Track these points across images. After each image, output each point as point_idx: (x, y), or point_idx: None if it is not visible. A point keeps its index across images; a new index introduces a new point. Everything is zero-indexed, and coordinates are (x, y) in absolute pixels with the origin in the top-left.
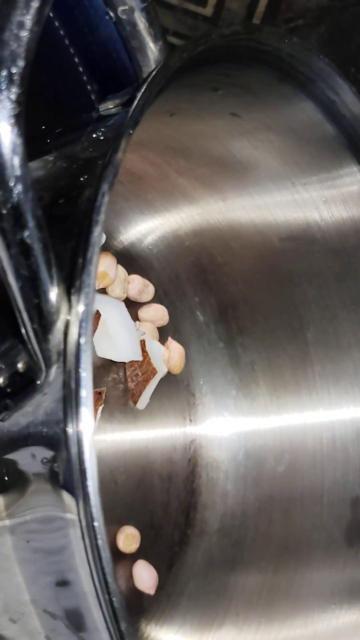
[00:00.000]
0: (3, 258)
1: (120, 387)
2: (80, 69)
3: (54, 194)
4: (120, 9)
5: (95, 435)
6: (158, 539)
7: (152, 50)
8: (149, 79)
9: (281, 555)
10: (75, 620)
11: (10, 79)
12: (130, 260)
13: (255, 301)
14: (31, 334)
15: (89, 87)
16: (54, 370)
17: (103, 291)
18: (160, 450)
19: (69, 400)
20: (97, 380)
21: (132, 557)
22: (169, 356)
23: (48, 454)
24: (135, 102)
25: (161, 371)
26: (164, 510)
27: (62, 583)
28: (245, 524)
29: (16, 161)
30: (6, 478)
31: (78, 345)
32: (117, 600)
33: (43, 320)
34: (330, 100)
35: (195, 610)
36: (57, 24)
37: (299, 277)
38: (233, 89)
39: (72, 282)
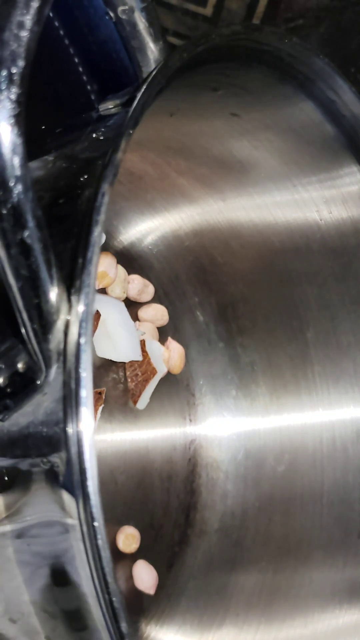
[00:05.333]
0: (3, 258)
1: (120, 387)
2: (80, 69)
3: (54, 194)
4: (120, 9)
5: (95, 435)
6: (158, 539)
7: (152, 50)
8: (149, 79)
9: (281, 555)
10: (75, 620)
11: (10, 79)
12: (130, 260)
13: (255, 301)
14: (31, 334)
15: (89, 87)
16: (54, 370)
17: (103, 291)
18: (160, 450)
19: (69, 400)
20: (97, 380)
21: (132, 557)
22: (169, 356)
23: (48, 454)
24: (135, 102)
25: (161, 371)
26: (164, 510)
27: (62, 583)
28: (245, 524)
29: (16, 161)
30: (6, 478)
31: (78, 345)
32: (117, 600)
33: (43, 320)
34: (330, 100)
35: (195, 610)
36: (57, 24)
37: (299, 277)
38: (233, 89)
39: (72, 282)
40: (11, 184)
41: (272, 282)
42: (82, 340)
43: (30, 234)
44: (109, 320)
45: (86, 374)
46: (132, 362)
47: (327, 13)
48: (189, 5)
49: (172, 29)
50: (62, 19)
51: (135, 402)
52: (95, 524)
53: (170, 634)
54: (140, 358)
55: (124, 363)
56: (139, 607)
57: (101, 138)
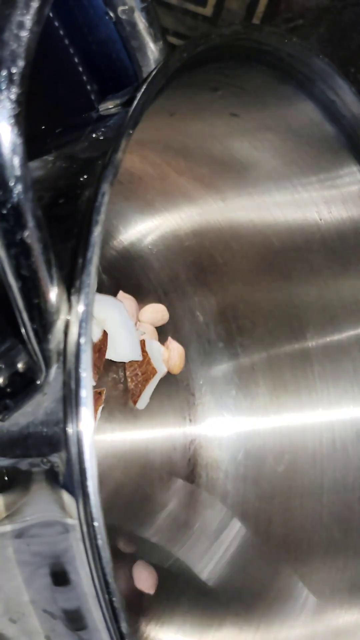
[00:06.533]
0: (3, 258)
1: (120, 387)
2: (80, 69)
3: (54, 194)
4: (120, 9)
5: (95, 435)
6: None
7: (152, 50)
8: (149, 79)
9: (281, 555)
10: (75, 620)
11: (10, 79)
12: (130, 260)
13: (255, 301)
14: (31, 334)
15: (89, 87)
16: (54, 370)
17: (102, 292)
18: (160, 450)
19: (69, 400)
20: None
21: (132, 557)
22: (168, 356)
23: (48, 454)
24: (135, 102)
25: (161, 371)
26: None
27: (62, 583)
28: (246, 524)
29: (16, 161)
30: (6, 478)
31: (78, 345)
32: (117, 600)
33: (43, 320)
34: (330, 100)
35: (195, 610)
36: (57, 24)
37: (299, 277)
38: (233, 89)
39: (72, 282)
40: (11, 184)
41: (273, 282)
42: (82, 340)
43: (30, 234)
44: (109, 320)
45: (86, 374)
46: (132, 362)
47: (327, 13)
48: (189, 5)
49: (172, 29)
50: (62, 19)
51: (135, 402)
52: (95, 524)
53: (170, 634)
54: (140, 358)
55: (124, 363)
56: (139, 607)
57: (101, 138)
